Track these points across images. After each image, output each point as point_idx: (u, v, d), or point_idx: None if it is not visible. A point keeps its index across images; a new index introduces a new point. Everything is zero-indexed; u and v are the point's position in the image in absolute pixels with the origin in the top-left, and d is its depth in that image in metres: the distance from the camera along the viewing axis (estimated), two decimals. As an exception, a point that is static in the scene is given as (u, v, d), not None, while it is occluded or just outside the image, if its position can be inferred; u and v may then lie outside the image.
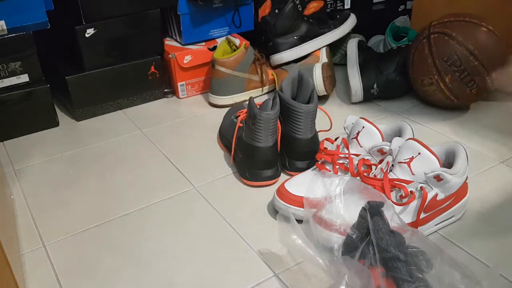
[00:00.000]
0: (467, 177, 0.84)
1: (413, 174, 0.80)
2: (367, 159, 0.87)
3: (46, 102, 1.18)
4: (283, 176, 1.00)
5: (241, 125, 0.98)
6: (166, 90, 1.35)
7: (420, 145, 0.80)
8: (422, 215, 0.81)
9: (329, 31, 1.34)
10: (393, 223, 0.71)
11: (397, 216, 0.72)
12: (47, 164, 1.08)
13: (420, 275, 0.63)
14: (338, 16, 1.39)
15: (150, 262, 0.80)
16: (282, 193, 0.88)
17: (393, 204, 0.78)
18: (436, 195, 0.80)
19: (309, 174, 0.91)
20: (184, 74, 1.32)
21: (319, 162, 0.92)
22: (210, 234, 0.86)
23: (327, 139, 0.97)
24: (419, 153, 0.80)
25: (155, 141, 1.15)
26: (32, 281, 0.78)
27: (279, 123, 0.95)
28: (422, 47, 1.17)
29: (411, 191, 0.79)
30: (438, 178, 0.78)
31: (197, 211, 0.91)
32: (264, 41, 1.35)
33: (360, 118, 0.91)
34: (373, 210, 0.67)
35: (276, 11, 1.32)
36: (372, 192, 0.77)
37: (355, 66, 1.27)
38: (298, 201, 0.85)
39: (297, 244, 0.72)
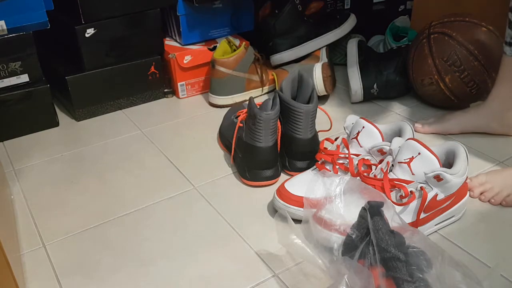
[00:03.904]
0: (467, 177, 0.84)
1: (413, 174, 0.80)
2: (367, 159, 0.87)
3: (46, 102, 1.18)
4: (283, 176, 1.00)
5: (241, 125, 0.98)
6: (166, 90, 1.35)
7: (420, 145, 0.80)
8: (422, 215, 0.81)
9: (329, 31, 1.34)
10: (394, 223, 0.70)
11: (398, 216, 0.72)
12: (47, 164, 1.08)
13: (421, 275, 0.63)
14: (338, 16, 1.39)
15: (150, 262, 0.80)
16: (282, 193, 0.88)
17: (393, 204, 0.78)
18: (436, 195, 0.80)
19: (309, 174, 0.91)
20: (184, 74, 1.32)
21: (319, 162, 0.92)
22: (210, 234, 0.86)
23: (327, 139, 0.97)
24: (419, 153, 0.80)
25: (155, 141, 1.15)
26: (32, 281, 0.78)
27: (279, 123, 0.95)
28: (422, 47, 1.17)
29: (411, 191, 0.79)
30: (438, 178, 0.78)
31: (197, 211, 0.91)
32: (264, 41, 1.35)
33: (360, 118, 0.91)
34: (373, 210, 0.67)
35: (276, 11, 1.32)
36: (372, 192, 0.77)
37: (355, 66, 1.27)
38: (298, 201, 0.85)
39: (297, 244, 0.72)
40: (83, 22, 1.16)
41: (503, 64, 1.03)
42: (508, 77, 1.03)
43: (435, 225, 0.84)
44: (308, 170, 0.93)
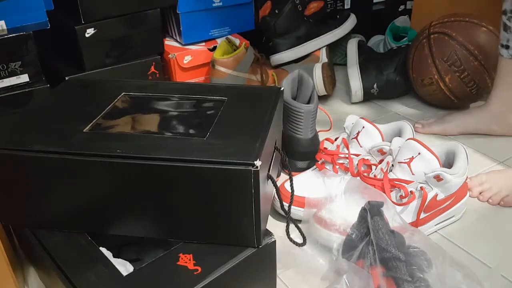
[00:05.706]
0: (467, 177, 0.84)
1: (413, 174, 0.80)
2: (367, 159, 0.87)
3: (46, 102, 1.18)
4: (283, 176, 1.00)
5: (241, 125, 0.98)
6: (166, 90, 1.35)
7: (420, 145, 0.80)
8: (422, 215, 0.81)
9: (329, 31, 1.34)
10: (395, 223, 0.71)
11: (399, 215, 0.72)
12: (47, 164, 1.07)
13: (421, 275, 0.63)
14: (338, 16, 1.39)
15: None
16: (282, 193, 0.88)
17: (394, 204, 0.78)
18: (436, 195, 0.80)
19: (309, 174, 0.91)
20: (184, 74, 1.32)
21: (319, 162, 0.92)
22: (210, 234, 0.85)
23: (327, 139, 0.97)
24: (419, 153, 0.80)
25: (155, 141, 1.15)
26: (32, 281, 0.77)
27: (279, 123, 0.96)
28: (422, 47, 1.17)
29: (411, 191, 0.79)
30: (438, 178, 0.78)
31: (197, 211, 0.91)
32: (264, 41, 1.35)
33: (360, 118, 0.91)
34: (373, 210, 0.67)
35: (276, 11, 1.32)
36: (373, 191, 0.77)
37: (355, 66, 1.27)
38: (298, 201, 0.85)
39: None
40: (83, 22, 1.16)
41: (500, 67, 1.03)
42: (507, 79, 1.03)
43: (435, 225, 0.84)
44: (308, 170, 0.93)
